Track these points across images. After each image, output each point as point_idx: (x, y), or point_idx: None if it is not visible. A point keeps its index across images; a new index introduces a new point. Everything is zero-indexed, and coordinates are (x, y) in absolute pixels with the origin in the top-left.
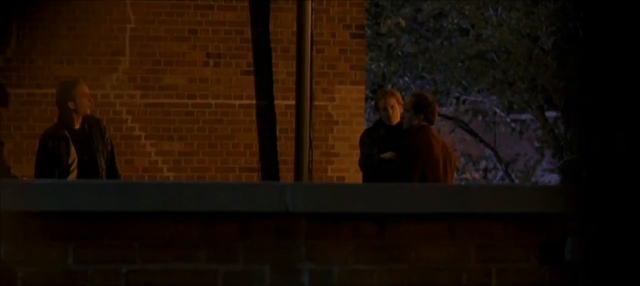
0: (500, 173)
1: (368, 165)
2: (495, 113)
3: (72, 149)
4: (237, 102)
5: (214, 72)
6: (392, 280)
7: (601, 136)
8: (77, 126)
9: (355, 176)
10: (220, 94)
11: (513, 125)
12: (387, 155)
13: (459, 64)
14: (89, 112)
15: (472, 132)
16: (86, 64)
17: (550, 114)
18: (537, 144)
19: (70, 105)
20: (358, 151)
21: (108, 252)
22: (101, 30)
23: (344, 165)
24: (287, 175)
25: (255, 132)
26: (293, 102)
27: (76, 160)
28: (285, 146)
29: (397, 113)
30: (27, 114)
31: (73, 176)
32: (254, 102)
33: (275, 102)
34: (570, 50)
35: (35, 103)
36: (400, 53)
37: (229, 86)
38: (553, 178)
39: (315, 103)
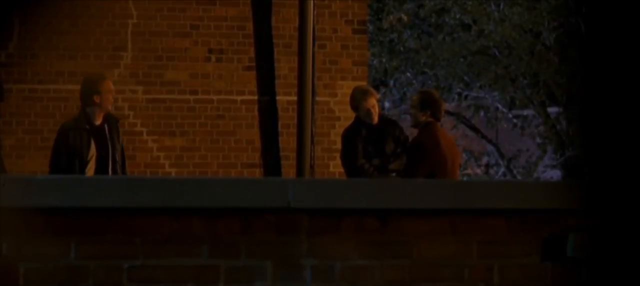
0: (502, 169)
1: (361, 176)
2: (497, 109)
3: (92, 143)
4: (239, 98)
5: (215, 67)
6: (393, 276)
7: (603, 132)
8: (98, 122)
9: None
10: (222, 90)
11: (515, 120)
12: (394, 166)
13: (461, 60)
14: (110, 108)
15: (474, 128)
16: (88, 59)
17: (552, 110)
18: (539, 140)
19: (96, 99)
20: None
21: (110, 248)
22: (103, 25)
23: None
24: (288, 170)
25: (257, 127)
26: (295, 98)
27: (95, 155)
28: (287, 142)
29: (376, 112)
30: (29, 110)
31: (91, 171)
32: (255, 97)
33: (277, 97)
34: (572, 46)
35: (37, 99)
36: (402, 49)
37: (231, 82)
38: (555, 174)
39: (317, 99)
